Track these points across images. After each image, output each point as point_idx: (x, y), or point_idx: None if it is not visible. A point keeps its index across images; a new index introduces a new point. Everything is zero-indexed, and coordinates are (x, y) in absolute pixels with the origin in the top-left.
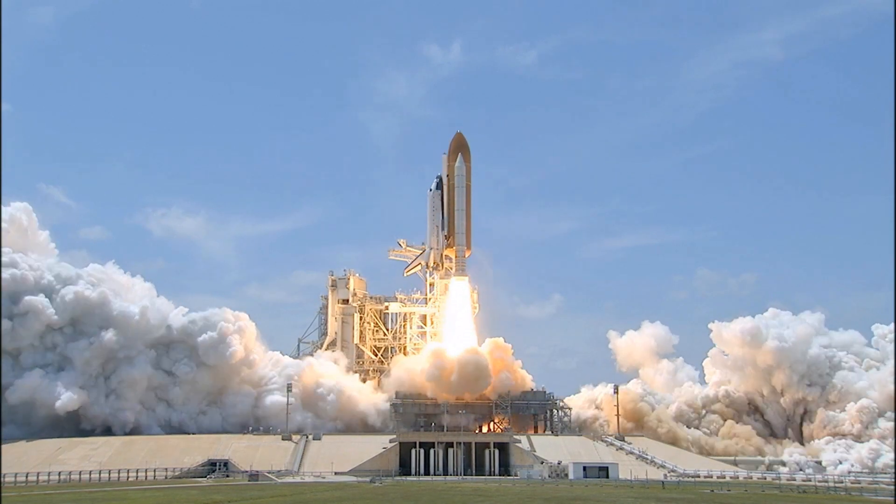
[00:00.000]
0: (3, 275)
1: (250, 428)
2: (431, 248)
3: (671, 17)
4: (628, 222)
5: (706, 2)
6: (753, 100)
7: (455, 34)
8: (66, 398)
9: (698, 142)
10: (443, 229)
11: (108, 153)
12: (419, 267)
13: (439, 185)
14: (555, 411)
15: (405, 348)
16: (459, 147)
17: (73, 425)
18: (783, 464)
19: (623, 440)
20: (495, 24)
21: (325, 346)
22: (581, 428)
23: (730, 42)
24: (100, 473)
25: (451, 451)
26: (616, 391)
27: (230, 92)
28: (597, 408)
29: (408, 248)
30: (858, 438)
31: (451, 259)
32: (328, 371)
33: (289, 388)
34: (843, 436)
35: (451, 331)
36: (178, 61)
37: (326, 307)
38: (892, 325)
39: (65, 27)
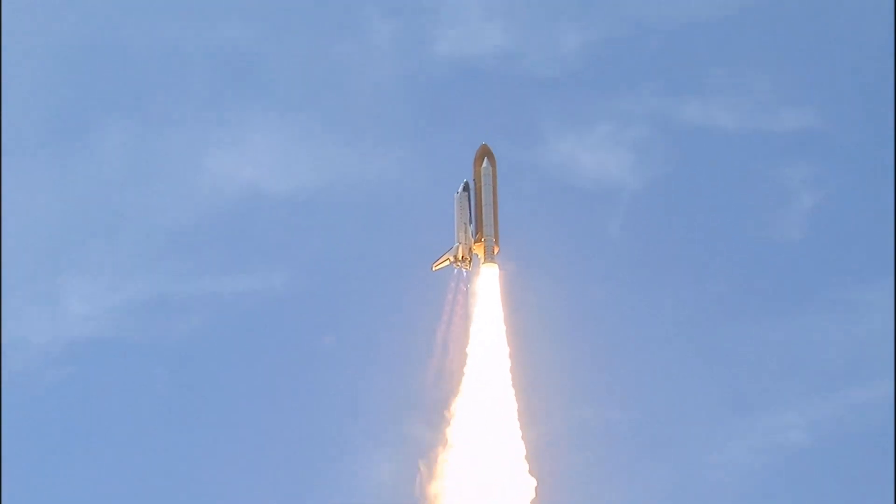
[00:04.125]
0: None
1: None
2: (459, 243)
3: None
4: None
5: (726, 386)
6: (778, 484)
7: None
8: None
9: None
10: (470, 223)
11: None
12: (447, 262)
13: (466, 188)
14: None
15: None
16: (485, 154)
17: None
18: None
19: None
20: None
21: None
22: None
23: (752, 425)
24: None
25: None
26: None
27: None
28: None
29: None
30: None
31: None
32: None
33: None
34: None
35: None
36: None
37: None
38: None
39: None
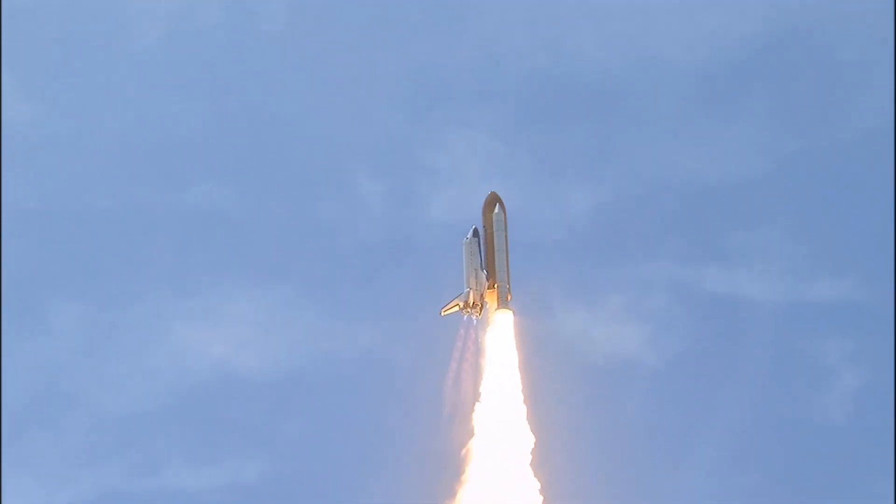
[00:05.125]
0: None
1: None
2: (469, 289)
3: None
4: None
5: None
6: None
7: None
8: None
9: None
10: (482, 268)
11: None
12: (456, 308)
13: (476, 234)
14: None
15: None
16: (495, 200)
17: None
18: None
19: None
20: None
21: None
22: None
23: None
24: None
25: None
26: None
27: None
28: None
29: None
30: None
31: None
32: None
33: None
34: None
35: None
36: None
37: None
38: None
39: None
